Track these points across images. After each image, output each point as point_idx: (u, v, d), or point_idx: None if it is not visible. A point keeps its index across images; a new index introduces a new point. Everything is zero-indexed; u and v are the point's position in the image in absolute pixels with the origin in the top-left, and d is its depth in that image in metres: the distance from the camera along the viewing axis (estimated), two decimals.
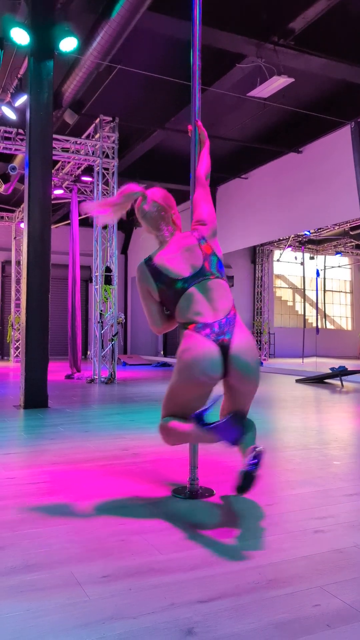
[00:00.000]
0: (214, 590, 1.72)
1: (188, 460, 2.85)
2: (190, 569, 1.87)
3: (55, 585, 1.74)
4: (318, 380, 9.80)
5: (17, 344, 15.69)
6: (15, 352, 15.68)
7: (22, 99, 8.39)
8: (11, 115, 8.90)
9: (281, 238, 18.57)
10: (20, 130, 9.69)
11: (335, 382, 9.53)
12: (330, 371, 9.61)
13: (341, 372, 9.19)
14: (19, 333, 15.47)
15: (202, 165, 2.90)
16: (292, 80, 8.14)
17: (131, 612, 1.57)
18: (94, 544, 2.10)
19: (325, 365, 12.43)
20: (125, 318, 16.70)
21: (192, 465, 2.81)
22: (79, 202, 11.29)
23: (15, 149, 9.96)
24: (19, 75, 8.49)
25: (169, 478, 3.08)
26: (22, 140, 9.83)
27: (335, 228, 17.54)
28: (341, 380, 9.28)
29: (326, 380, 9.74)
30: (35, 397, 6.14)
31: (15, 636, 1.44)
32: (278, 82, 8.14)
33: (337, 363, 11.36)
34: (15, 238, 16.18)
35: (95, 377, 9.51)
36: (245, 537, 2.18)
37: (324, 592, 1.71)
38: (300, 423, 5.22)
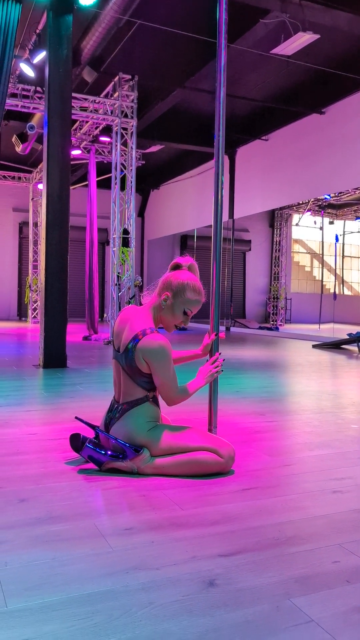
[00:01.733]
0: (235, 545, 1.75)
1: (207, 420, 2.87)
2: (210, 524, 1.91)
3: (80, 536, 1.79)
4: (335, 345, 9.78)
5: (35, 305, 15.79)
6: (33, 314, 15.79)
7: (41, 56, 8.24)
8: (29, 72, 8.75)
9: (301, 202, 18.31)
10: (39, 89, 9.54)
11: (353, 347, 9.50)
12: (347, 337, 9.58)
13: (358, 338, 9.15)
14: (37, 295, 15.55)
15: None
16: (317, 36, 7.88)
17: (154, 563, 1.61)
18: (116, 498, 2.14)
19: (342, 331, 12.37)
20: (142, 280, 16.70)
21: (212, 425, 2.84)
22: (97, 162, 11.18)
23: (34, 108, 9.83)
24: (37, 31, 8.31)
25: None
26: (40, 98, 9.69)
27: (356, 192, 17.23)
28: (358, 346, 9.25)
29: (343, 346, 9.72)
30: (54, 357, 6.21)
31: (42, 582, 1.49)
32: (303, 39, 7.89)
33: (354, 329, 11.31)
34: (32, 199, 16.12)
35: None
36: (264, 495, 2.21)
37: (343, 549, 1.74)
38: (317, 387, 5.23)
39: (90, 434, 2.78)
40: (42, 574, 1.54)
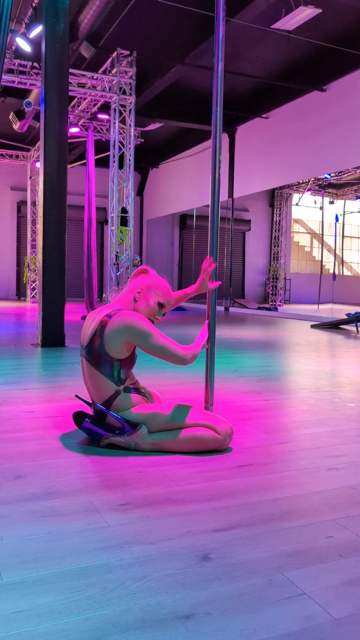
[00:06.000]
0: (229, 520, 1.76)
1: (203, 399, 2.88)
2: (205, 500, 1.92)
3: (76, 512, 1.80)
4: (333, 325, 9.79)
5: (34, 284, 15.76)
6: (32, 293, 15.77)
7: (37, 30, 8.11)
8: (26, 47, 8.62)
9: (301, 181, 18.18)
10: (36, 64, 9.41)
11: (351, 327, 9.51)
12: (346, 317, 9.58)
13: (357, 318, 9.15)
14: (35, 274, 15.51)
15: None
16: (319, 11, 7.76)
17: (149, 538, 1.63)
18: (112, 475, 2.16)
19: (341, 311, 12.38)
20: (141, 260, 16.66)
21: (208, 403, 2.85)
22: (95, 140, 11.06)
23: (31, 84, 9.70)
24: (33, 4, 8.16)
25: None
26: (37, 74, 9.57)
27: (357, 172, 17.10)
28: (357, 326, 9.26)
29: (341, 326, 9.73)
30: (53, 336, 6.21)
31: (38, 556, 1.50)
32: (304, 13, 7.78)
33: (353, 309, 11.32)
34: (30, 178, 16.00)
35: None
36: (259, 472, 2.23)
37: (337, 525, 1.75)
38: (314, 366, 5.24)
39: (90, 412, 2.79)
40: (38, 548, 1.55)
